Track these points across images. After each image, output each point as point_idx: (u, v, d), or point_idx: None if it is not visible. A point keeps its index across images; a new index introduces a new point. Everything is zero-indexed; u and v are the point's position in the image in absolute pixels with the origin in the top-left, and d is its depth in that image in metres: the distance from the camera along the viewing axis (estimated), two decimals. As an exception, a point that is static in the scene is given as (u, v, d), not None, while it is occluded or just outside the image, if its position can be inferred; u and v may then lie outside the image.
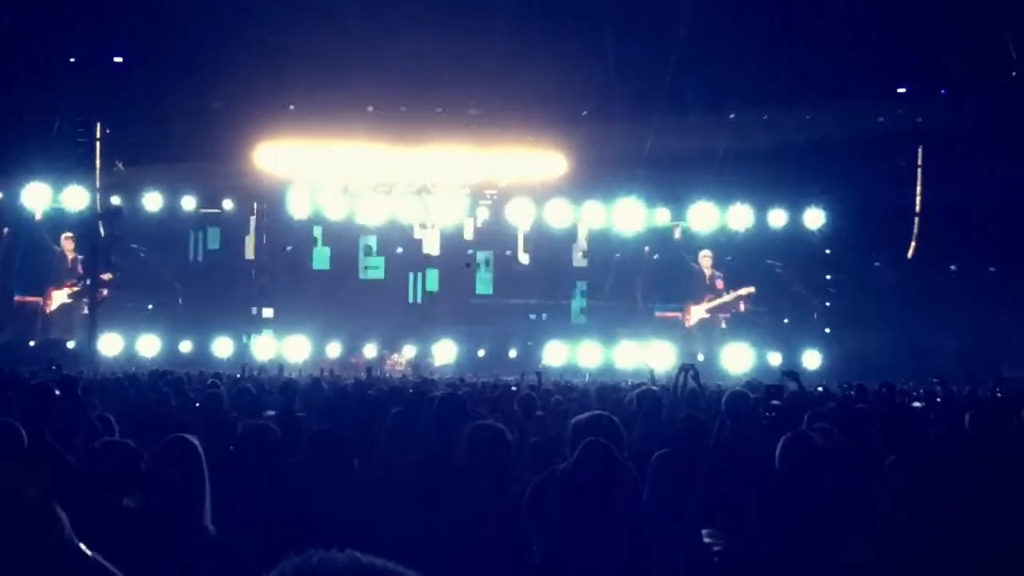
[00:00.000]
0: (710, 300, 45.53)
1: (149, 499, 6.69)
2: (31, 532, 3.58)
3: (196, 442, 6.75)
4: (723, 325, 45.54)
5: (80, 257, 42.48)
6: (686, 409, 12.63)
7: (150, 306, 43.60)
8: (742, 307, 45.78)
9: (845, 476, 8.16)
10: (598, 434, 6.93)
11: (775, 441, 7.51)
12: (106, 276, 40.05)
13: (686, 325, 45.70)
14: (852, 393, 18.67)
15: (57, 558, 3.58)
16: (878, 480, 8.18)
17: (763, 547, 6.82)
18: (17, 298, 43.13)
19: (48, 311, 42.95)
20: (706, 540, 7.56)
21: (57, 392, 10.48)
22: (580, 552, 4.61)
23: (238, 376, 25.35)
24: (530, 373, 30.18)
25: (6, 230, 42.82)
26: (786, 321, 45.76)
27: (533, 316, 46.17)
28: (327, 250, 45.35)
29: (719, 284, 45.52)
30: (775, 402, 11.80)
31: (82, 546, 3.66)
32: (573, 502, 4.72)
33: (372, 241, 45.47)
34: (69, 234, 42.72)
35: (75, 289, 42.36)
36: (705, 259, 45.56)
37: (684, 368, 14.92)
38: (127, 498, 6.93)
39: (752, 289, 45.23)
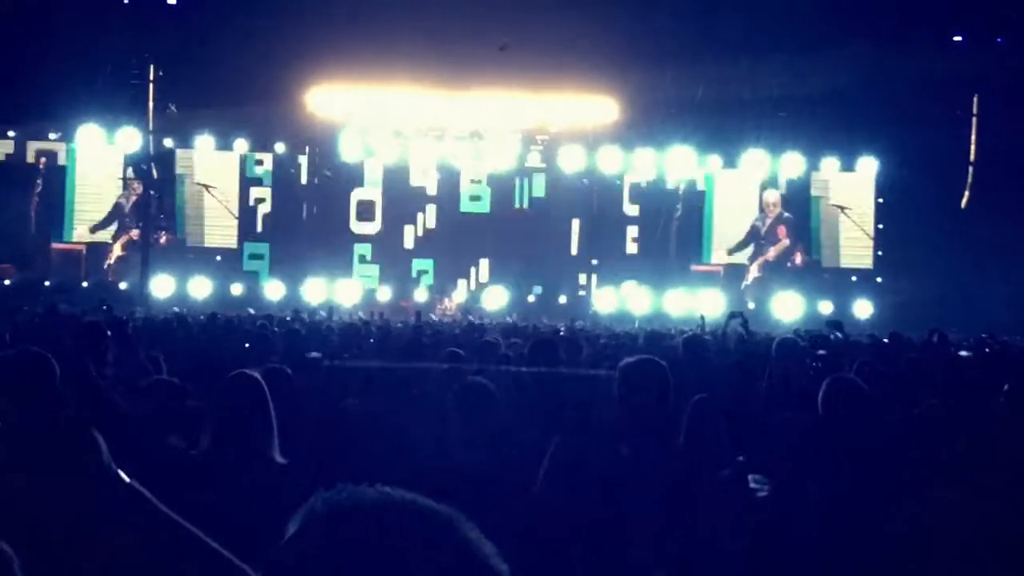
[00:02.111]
0: (765, 257, 45.38)
1: (196, 437, 6.72)
2: (68, 456, 3.60)
3: (259, 376, 6.79)
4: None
5: (134, 198, 42.74)
6: (734, 356, 12.62)
7: (218, 257, 43.79)
8: (799, 260, 45.64)
9: (888, 422, 8.11)
10: (645, 377, 6.94)
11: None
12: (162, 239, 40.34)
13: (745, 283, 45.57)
14: (885, 341, 18.53)
15: (94, 482, 3.59)
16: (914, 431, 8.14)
17: (805, 491, 6.83)
18: (55, 245, 43.37)
19: (108, 264, 43.27)
20: (752, 485, 7.54)
21: (108, 332, 10.55)
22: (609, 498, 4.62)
23: (288, 319, 25.46)
24: (580, 319, 30.30)
25: (43, 160, 43.06)
26: (854, 279, 45.53)
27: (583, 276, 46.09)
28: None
29: (781, 231, 45.33)
30: (821, 352, 11.76)
31: (121, 473, 3.67)
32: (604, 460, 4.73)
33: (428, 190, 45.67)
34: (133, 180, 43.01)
35: (129, 237, 42.70)
36: (771, 204, 45.37)
37: (733, 316, 14.94)
38: (173, 436, 6.97)
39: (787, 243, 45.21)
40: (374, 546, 2.02)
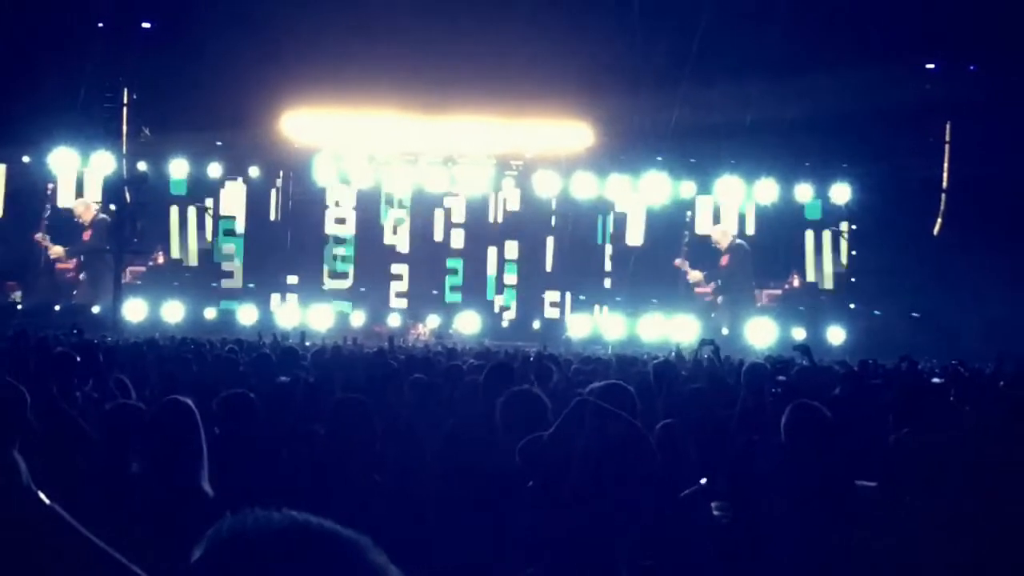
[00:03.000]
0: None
1: (142, 464, 6.69)
2: None
3: (190, 403, 6.75)
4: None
5: (101, 217, 42.63)
6: (704, 382, 12.67)
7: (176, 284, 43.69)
8: (796, 283, 45.88)
9: (853, 450, 8.14)
10: (611, 402, 6.94)
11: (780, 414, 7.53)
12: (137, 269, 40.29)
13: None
14: (855, 369, 18.59)
15: (11, 504, 3.57)
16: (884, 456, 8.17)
17: (768, 519, 6.83)
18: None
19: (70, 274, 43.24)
20: (716, 512, 7.56)
21: (78, 358, 10.53)
22: (569, 515, 4.61)
23: (260, 342, 25.44)
24: (552, 345, 30.30)
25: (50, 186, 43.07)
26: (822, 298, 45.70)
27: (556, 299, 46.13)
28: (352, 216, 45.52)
29: (724, 261, 45.43)
30: (781, 378, 11.81)
31: (40, 494, 3.66)
32: (555, 465, 4.71)
33: (400, 212, 45.69)
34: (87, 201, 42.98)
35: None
36: (723, 235, 45.50)
37: (704, 342, 15.01)
38: (135, 463, 6.94)
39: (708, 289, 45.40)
40: (277, 571, 2.01)
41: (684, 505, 7.06)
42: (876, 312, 43.18)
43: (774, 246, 45.59)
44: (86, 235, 43.00)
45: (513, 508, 6.08)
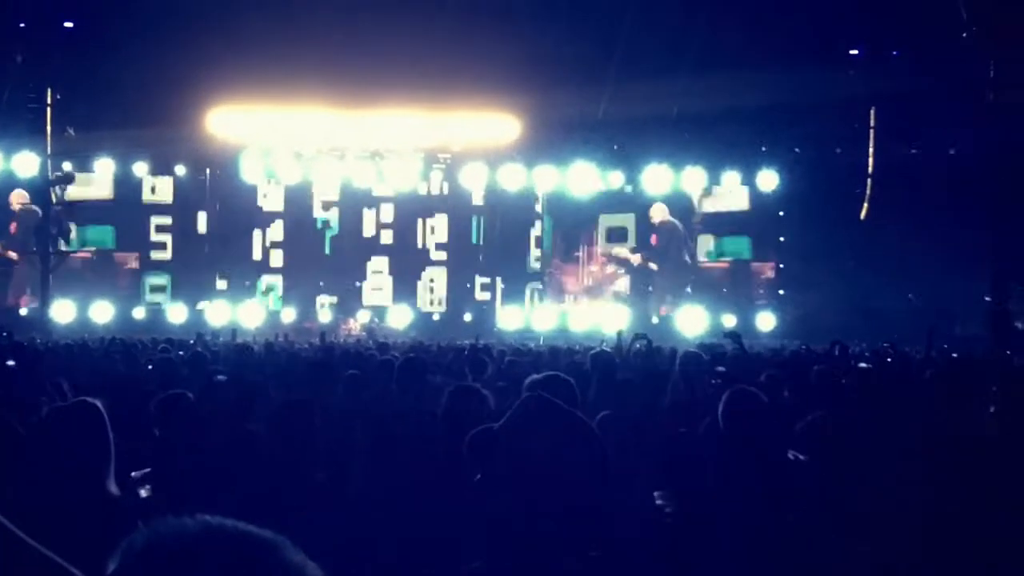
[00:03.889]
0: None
1: (46, 470, 6.63)
2: None
3: (98, 404, 6.70)
4: (621, 289, 45.94)
5: (31, 208, 42.28)
6: (638, 372, 12.73)
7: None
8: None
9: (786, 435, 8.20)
10: (552, 394, 6.97)
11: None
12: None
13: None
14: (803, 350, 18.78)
15: None
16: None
17: (710, 507, 6.88)
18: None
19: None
20: (659, 502, 7.59)
21: (11, 362, 10.47)
22: (520, 512, 4.61)
23: (191, 342, 25.29)
24: (484, 337, 30.31)
25: None
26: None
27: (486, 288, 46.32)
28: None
29: (653, 239, 45.72)
30: (720, 368, 11.89)
31: None
32: (506, 460, 4.72)
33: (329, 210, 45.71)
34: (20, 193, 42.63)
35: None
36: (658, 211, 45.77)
37: (638, 336, 15.11)
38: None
39: (638, 258, 45.68)
40: None
41: (628, 495, 7.09)
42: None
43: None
44: (12, 226, 42.62)
45: (457, 501, 6.11)
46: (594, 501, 4.83)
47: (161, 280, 44.59)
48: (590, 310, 43.67)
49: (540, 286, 46.38)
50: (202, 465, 7.69)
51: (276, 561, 2.05)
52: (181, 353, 18.80)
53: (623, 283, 46.33)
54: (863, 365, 16.16)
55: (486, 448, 5.60)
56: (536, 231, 46.92)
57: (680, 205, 45.82)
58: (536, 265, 46.79)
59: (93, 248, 43.60)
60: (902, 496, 6.80)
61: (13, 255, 42.23)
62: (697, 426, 8.91)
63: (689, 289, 45.42)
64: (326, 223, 45.76)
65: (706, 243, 46.43)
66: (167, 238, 44.84)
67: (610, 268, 46.33)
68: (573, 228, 47.00)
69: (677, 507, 7.28)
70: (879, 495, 6.82)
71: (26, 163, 41.16)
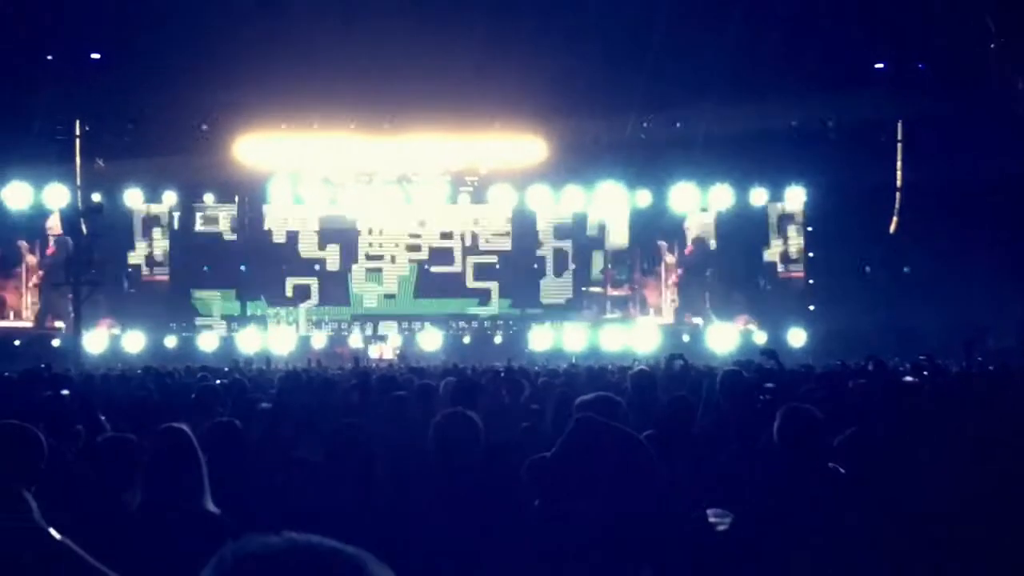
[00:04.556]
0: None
1: (142, 492, 6.69)
2: None
3: (187, 429, 6.77)
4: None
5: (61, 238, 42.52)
6: (678, 392, 12.69)
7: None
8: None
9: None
10: (603, 414, 6.98)
11: (771, 420, 7.55)
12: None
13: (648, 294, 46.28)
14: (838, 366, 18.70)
15: (24, 542, 3.58)
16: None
17: (764, 522, 6.86)
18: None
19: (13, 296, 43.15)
20: (711, 519, 7.58)
21: (65, 392, 10.52)
22: (576, 532, 4.62)
23: (226, 369, 25.31)
24: (516, 359, 30.29)
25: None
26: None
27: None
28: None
29: (688, 250, 45.88)
30: (769, 385, 11.84)
31: (51, 530, 3.67)
32: (564, 484, 4.73)
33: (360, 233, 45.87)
34: (55, 220, 42.84)
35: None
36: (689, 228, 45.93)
37: (673, 357, 15.10)
38: (127, 493, 6.93)
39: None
40: None
41: (680, 513, 7.08)
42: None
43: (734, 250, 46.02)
44: (49, 250, 42.82)
45: (516, 527, 6.11)
46: (651, 519, 4.85)
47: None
48: (621, 331, 43.54)
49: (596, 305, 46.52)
50: (254, 492, 7.70)
51: (363, 575, 2.07)
52: (218, 381, 18.77)
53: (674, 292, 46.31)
54: (908, 379, 16.08)
55: (543, 474, 5.63)
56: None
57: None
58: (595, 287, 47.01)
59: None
60: (951, 506, 6.80)
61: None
62: (744, 443, 8.89)
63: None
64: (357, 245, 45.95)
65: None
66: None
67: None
68: (651, 245, 46.86)
69: (730, 525, 7.26)
70: (926, 506, 6.82)
71: (56, 195, 41.31)
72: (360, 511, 7.05)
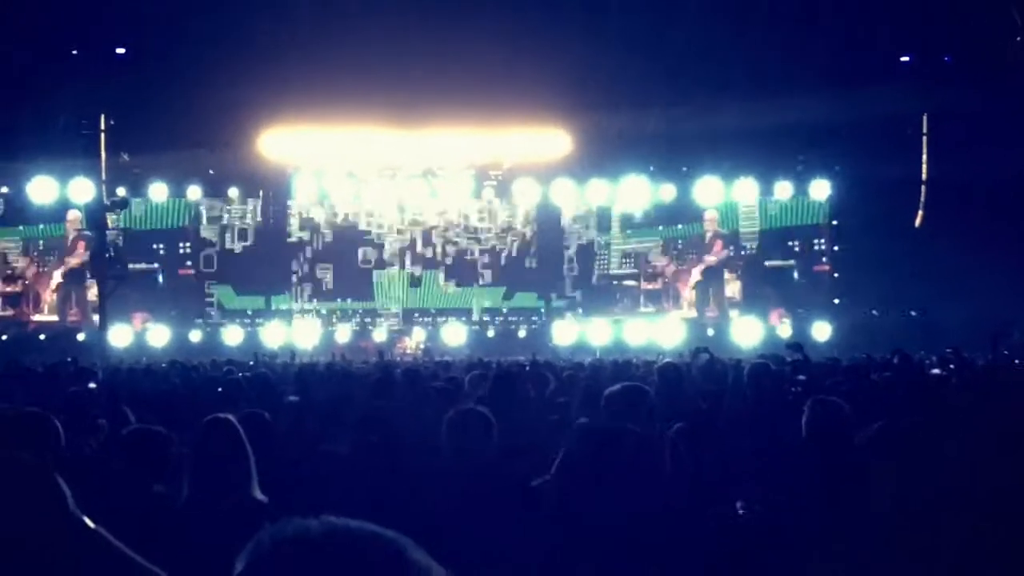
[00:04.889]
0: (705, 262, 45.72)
1: (181, 483, 6.71)
2: (32, 503, 3.57)
3: (233, 419, 6.81)
4: (732, 295, 45.72)
5: (82, 236, 42.63)
6: (704, 385, 12.71)
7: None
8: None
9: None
10: (630, 404, 6.99)
11: (800, 413, 7.56)
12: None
13: (681, 288, 45.91)
14: (865, 359, 18.69)
15: (59, 529, 3.57)
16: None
17: (793, 513, 6.85)
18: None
19: (48, 294, 43.22)
20: (740, 512, 7.56)
21: (92, 384, 10.55)
22: (598, 527, 4.62)
23: (251, 363, 25.32)
24: (540, 353, 30.25)
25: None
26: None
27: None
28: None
29: (718, 246, 45.55)
30: (801, 377, 11.85)
31: (86, 519, 3.66)
32: (571, 492, 4.73)
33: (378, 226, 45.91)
34: (75, 213, 42.89)
35: (74, 262, 42.54)
36: (709, 220, 45.59)
37: (699, 351, 15.12)
38: (158, 485, 6.94)
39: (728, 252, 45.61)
40: None
41: (708, 506, 7.07)
42: (874, 312, 43.32)
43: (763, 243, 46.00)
44: (80, 245, 42.93)
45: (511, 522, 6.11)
46: (664, 516, 4.84)
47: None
48: (646, 325, 43.46)
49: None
50: (281, 483, 7.70)
51: (401, 560, 2.06)
52: (242, 374, 18.76)
53: (735, 288, 46.14)
54: (936, 371, 16.06)
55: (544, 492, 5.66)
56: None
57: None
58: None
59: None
60: (978, 500, 6.78)
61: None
62: (772, 435, 8.88)
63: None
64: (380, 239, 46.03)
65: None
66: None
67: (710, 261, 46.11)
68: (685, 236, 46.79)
69: (760, 516, 7.25)
70: (953, 500, 6.80)
71: (81, 189, 41.40)
72: (383, 504, 7.06)
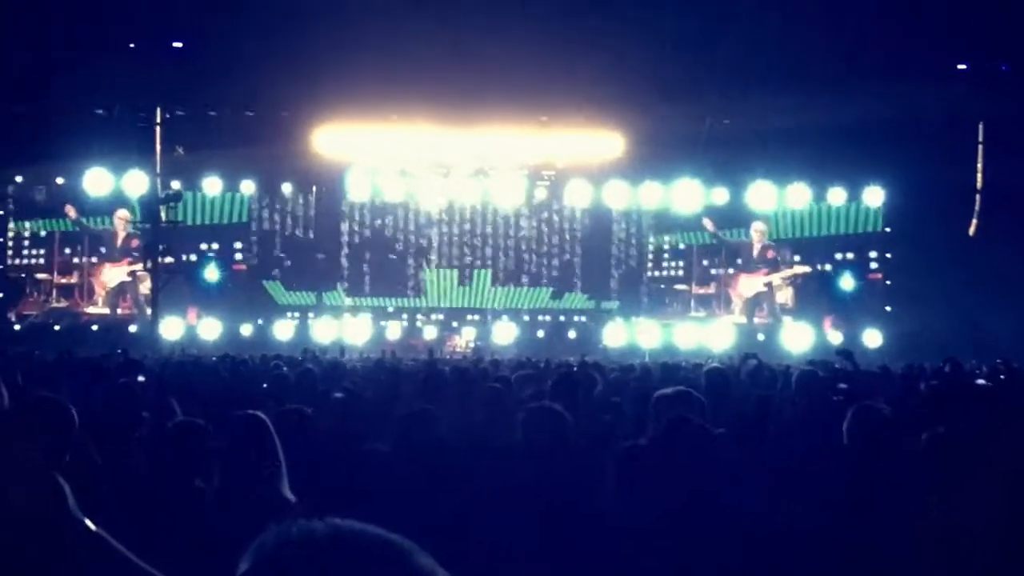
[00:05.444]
0: (766, 273, 45.34)
1: (219, 478, 6.72)
2: (33, 504, 3.57)
3: (264, 417, 6.81)
4: (784, 301, 45.49)
5: (133, 233, 42.90)
6: (754, 389, 12.68)
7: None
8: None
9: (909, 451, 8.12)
10: (681, 408, 6.98)
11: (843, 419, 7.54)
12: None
13: (732, 293, 45.69)
14: (915, 367, 18.59)
15: (57, 530, 3.57)
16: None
17: (834, 521, 6.82)
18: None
19: (101, 287, 43.46)
20: (781, 518, 7.54)
21: (141, 378, 10.59)
22: (660, 527, 4.62)
23: (300, 358, 25.38)
24: (590, 354, 30.21)
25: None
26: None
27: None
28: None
29: (770, 254, 45.38)
30: (843, 385, 11.80)
31: (87, 521, 3.66)
32: (653, 479, 4.72)
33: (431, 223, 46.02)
34: (124, 212, 43.09)
35: (136, 267, 42.62)
36: (757, 232, 45.38)
37: (748, 356, 15.10)
38: (198, 479, 6.95)
39: (808, 269, 45.19)
40: None
41: (752, 511, 7.04)
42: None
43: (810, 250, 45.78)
44: (134, 242, 43.17)
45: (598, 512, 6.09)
46: (731, 514, 4.84)
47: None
48: (695, 329, 43.38)
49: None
50: (319, 480, 7.70)
51: (406, 564, 2.04)
52: (286, 369, 18.77)
53: (787, 294, 45.98)
54: (981, 382, 15.94)
55: (631, 463, 5.61)
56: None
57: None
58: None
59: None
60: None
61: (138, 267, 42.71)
62: (816, 442, 8.84)
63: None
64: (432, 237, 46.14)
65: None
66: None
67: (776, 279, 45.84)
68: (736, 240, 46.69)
69: (801, 523, 7.22)
70: (998, 512, 6.75)
71: (136, 182, 41.62)
72: (427, 502, 7.05)
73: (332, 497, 7.23)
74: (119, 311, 43.16)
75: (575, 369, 18.45)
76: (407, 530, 2.14)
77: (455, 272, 45.93)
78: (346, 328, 42.20)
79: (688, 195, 44.95)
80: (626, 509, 5.25)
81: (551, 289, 46.14)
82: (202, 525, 6.05)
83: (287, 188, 44.66)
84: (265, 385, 15.14)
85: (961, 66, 42.28)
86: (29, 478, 3.66)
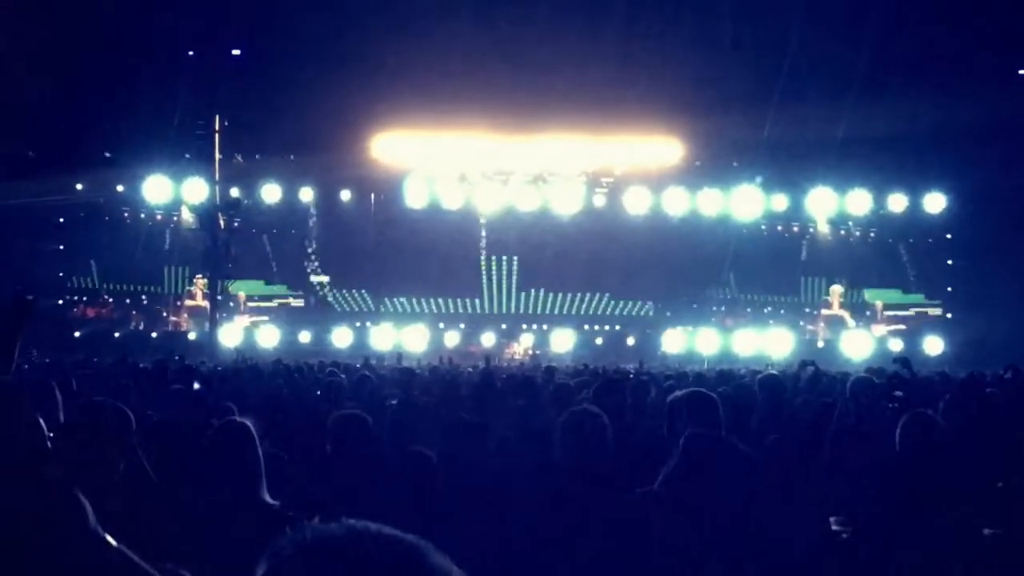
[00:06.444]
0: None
1: (202, 483, 6.78)
2: (53, 520, 3.55)
3: (248, 423, 6.83)
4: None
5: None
6: (807, 397, 12.62)
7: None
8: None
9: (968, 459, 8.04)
10: (693, 410, 6.93)
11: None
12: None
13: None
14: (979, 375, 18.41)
15: (77, 548, 3.55)
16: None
17: (885, 531, 6.76)
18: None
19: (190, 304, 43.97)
20: (834, 527, 7.48)
21: (197, 386, 10.64)
22: (696, 543, 4.58)
23: (357, 366, 25.44)
24: (648, 361, 30.15)
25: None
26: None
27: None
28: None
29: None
30: (898, 393, 11.70)
31: (108, 537, 3.64)
32: (683, 499, 4.68)
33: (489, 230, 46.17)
34: (202, 280, 43.53)
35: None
36: (835, 295, 45.44)
37: (805, 363, 15.02)
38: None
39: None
40: None
41: (802, 520, 7.00)
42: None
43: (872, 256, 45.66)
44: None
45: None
46: (761, 527, 4.79)
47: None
48: (754, 336, 43.27)
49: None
50: (372, 483, 7.71)
51: (421, 565, 2.03)
52: (344, 377, 18.81)
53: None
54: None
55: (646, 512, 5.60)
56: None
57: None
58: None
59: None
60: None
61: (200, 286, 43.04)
62: (871, 451, 8.77)
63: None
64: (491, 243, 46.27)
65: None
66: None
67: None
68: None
69: (854, 532, 7.17)
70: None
71: (195, 189, 41.84)
72: (464, 509, 7.05)
73: (374, 497, 7.25)
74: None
75: (631, 376, 18.38)
76: (441, 533, 2.13)
77: (514, 279, 45.94)
78: (404, 335, 42.24)
79: (748, 201, 44.79)
80: (659, 549, 5.23)
81: (609, 296, 46.08)
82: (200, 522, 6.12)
83: (346, 195, 44.78)
84: (319, 392, 15.19)
85: (1022, 71, 41.97)
86: (49, 496, 3.65)
